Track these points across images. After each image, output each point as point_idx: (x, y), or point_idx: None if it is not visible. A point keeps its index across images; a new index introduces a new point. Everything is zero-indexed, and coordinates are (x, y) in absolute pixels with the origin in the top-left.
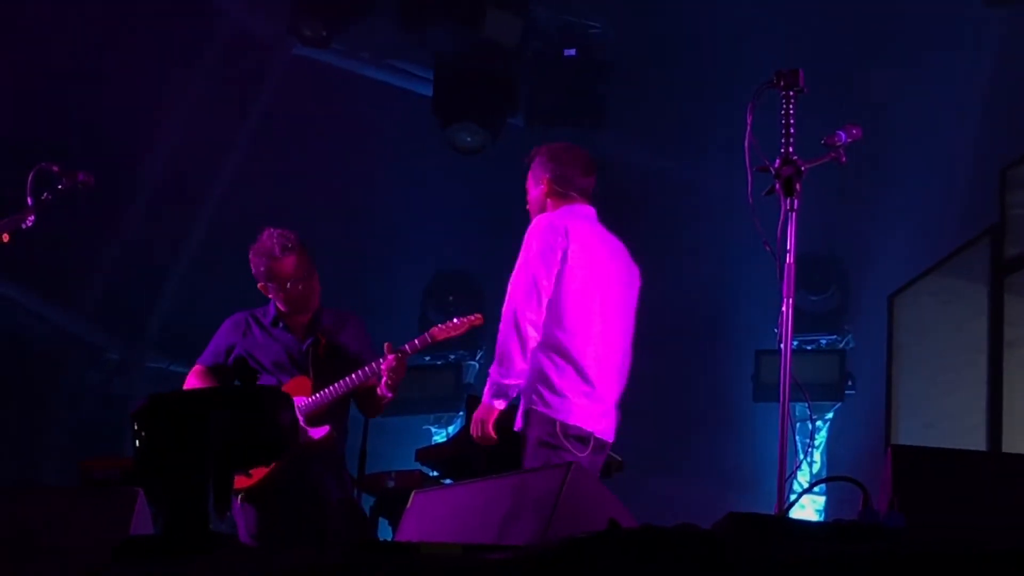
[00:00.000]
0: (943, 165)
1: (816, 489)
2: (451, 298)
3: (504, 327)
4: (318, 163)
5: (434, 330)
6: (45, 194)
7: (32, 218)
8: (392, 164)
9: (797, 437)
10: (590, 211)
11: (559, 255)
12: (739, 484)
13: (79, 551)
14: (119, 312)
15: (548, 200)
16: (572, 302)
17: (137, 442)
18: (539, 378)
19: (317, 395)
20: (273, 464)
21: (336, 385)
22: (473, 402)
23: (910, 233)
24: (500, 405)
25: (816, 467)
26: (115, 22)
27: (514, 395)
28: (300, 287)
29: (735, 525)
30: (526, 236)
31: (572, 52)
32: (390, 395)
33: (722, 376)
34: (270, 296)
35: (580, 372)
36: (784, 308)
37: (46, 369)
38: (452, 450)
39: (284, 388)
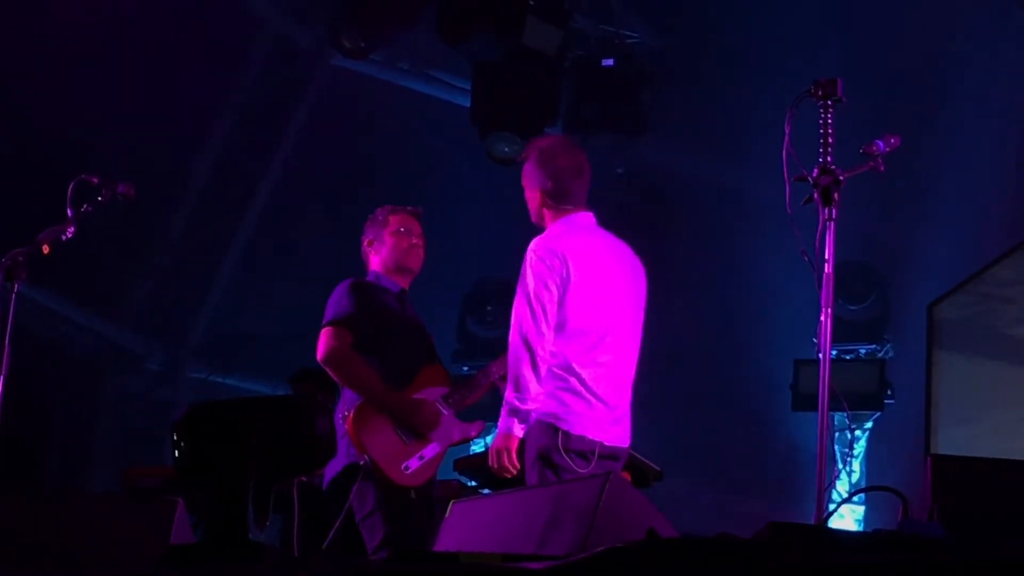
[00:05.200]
0: (984, 173)
1: (855, 499)
2: (489, 307)
3: (514, 350)
4: (358, 173)
5: None
6: (85, 205)
7: (72, 229)
8: (430, 173)
9: (836, 447)
10: (588, 219)
11: (558, 280)
12: (778, 493)
13: (119, 559)
14: (161, 322)
15: (544, 210)
16: (576, 314)
17: (177, 452)
18: (551, 395)
19: (466, 389)
20: (438, 463)
21: (481, 377)
22: None
23: (950, 242)
24: (519, 432)
25: (855, 477)
26: (157, 32)
27: (532, 420)
28: (417, 241)
29: (775, 534)
30: (525, 258)
31: (610, 62)
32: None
33: (761, 385)
34: (377, 258)
35: (583, 383)
36: (823, 317)
37: (89, 378)
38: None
39: (422, 375)
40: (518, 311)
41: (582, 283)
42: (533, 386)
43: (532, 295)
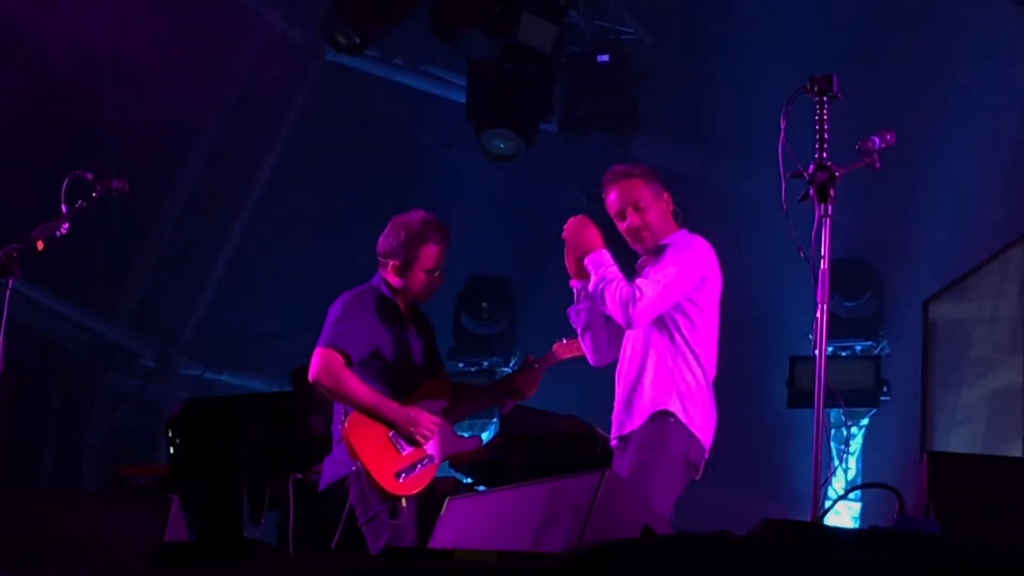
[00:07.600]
0: (980, 170)
1: (851, 496)
2: (484, 303)
3: (629, 288)
4: (352, 169)
5: (556, 347)
6: (79, 201)
7: (66, 226)
8: (425, 169)
9: (832, 443)
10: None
11: (697, 281)
12: (774, 491)
13: (114, 557)
14: (155, 319)
15: (671, 219)
16: (711, 327)
17: (172, 449)
18: (678, 387)
19: (467, 404)
20: (431, 475)
21: (483, 401)
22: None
23: (946, 239)
24: (577, 285)
25: (851, 473)
26: (152, 27)
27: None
28: (438, 276)
29: (771, 532)
30: (684, 245)
31: (606, 58)
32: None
33: (756, 382)
34: (390, 277)
35: (706, 395)
36: (819, 314)
37: (83, 376)
38: (487, 457)
39: (423, 387)
40: (667, 271)
41: (716, 296)
42: (606, 300)
43: (666, 276)
